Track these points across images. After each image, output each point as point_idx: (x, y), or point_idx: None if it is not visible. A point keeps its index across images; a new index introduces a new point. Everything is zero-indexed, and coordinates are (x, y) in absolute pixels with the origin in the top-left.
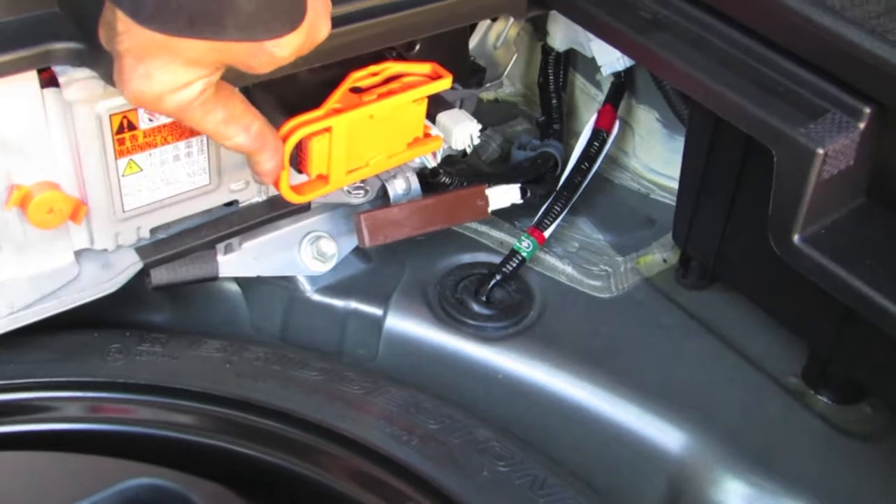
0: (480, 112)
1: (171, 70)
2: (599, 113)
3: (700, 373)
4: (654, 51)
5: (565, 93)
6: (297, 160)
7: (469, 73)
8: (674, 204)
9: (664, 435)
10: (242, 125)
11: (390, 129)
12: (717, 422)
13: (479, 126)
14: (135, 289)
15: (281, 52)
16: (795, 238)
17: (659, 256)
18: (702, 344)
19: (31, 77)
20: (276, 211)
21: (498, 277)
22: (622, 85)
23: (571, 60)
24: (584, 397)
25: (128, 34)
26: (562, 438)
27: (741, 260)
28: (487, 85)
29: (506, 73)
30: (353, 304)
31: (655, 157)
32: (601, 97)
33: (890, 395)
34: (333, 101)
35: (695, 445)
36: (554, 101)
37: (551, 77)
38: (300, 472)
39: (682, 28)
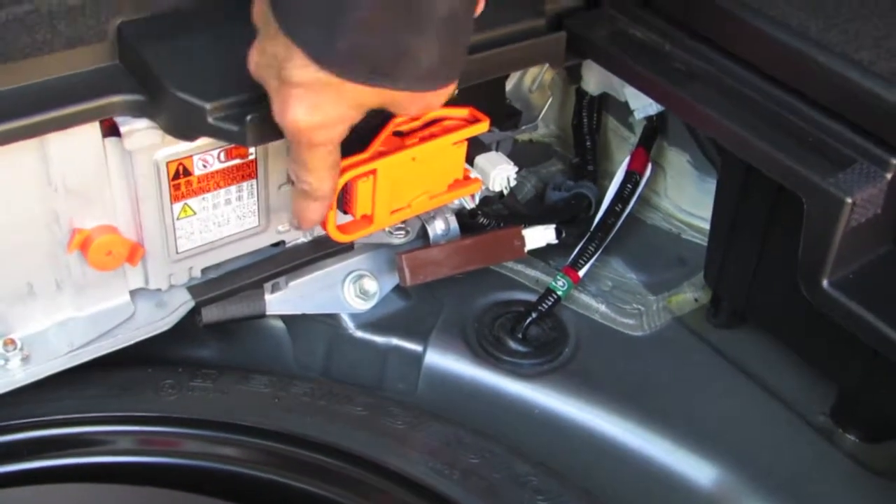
0: (516, 153)
1: (335, 108)
2: (632, 156)
3: (730, 410)
4: (688, 101)
5: (599, 135)
6: (343, 201)
7: (506, 115)
8: (705, 244)
9: (695, 470)
10: (335, 172)
11: (431, 171)
12: (746, 458)
13: (516, 168)
14: (185, 325)
15: (438, 100)
16: (824, 283)
17: (690, 296)
18: (731, 382)
19: (93, 127)
20: (320, 251)
21: (534, 315)
22: (654, 128)
23: (605, 103)
24: (617, 432)
25: (303, 70)
26: (596, 472)
27: (771, 302)
28: (523, 127)
29: (541, 115)
30: (394, 341)
31: (687, 198)
32: (634, 139)
33: None
34: (378, 144)
35: (725, 480)
36: (588, 143)
37: (585, 120)
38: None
39: (713, 78)
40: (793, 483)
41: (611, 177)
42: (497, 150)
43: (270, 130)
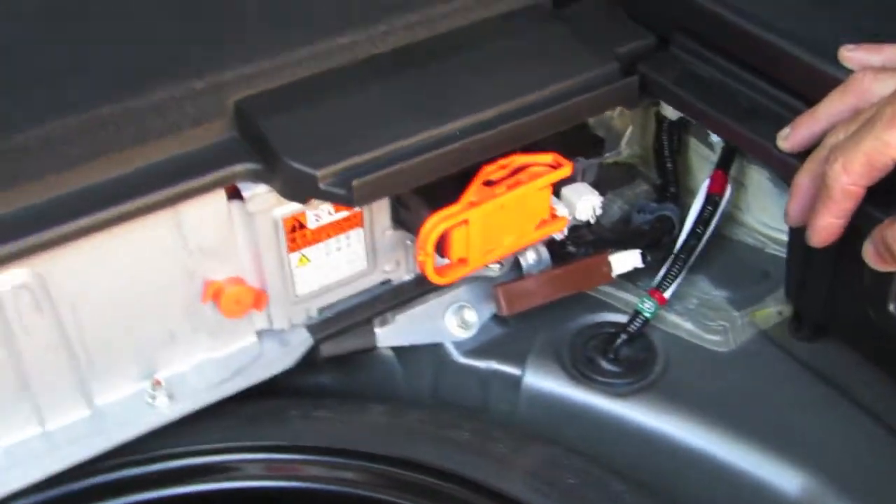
0: (602, 176)
1: None
2: (711, 178)
3: (815, 421)
4: (751, 137)
5: (680, 156)
6: (440, 247)
7: (589, 144)
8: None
9: (783, 480)
10: None
11: (520, 215)
12: (833, 468)
13: (601, 198)
14: (306, 358)
15: None
16: (891, 307)
17: (774, 310)
18: (817, 393)
19: (219, 193)
20: (423, 287)
21: (624, 337)
22: (733, 149)
23: (684, 125)
24: (706, 445)
25: None
26: (686, 484)
27: (849, 315)
28: (607, 155)
29: (624, 141)
30: (495, 365)
31: (768, 213)
32: (714, 157)
33: None
34: (469, 195)
35: (812, 491)
36: (669, 166)
37: (665, 143)
38: None
39: (776, 116)
40: (879, 493)
41: (694, 194)
42: (583, 178)
43: (377, 190)
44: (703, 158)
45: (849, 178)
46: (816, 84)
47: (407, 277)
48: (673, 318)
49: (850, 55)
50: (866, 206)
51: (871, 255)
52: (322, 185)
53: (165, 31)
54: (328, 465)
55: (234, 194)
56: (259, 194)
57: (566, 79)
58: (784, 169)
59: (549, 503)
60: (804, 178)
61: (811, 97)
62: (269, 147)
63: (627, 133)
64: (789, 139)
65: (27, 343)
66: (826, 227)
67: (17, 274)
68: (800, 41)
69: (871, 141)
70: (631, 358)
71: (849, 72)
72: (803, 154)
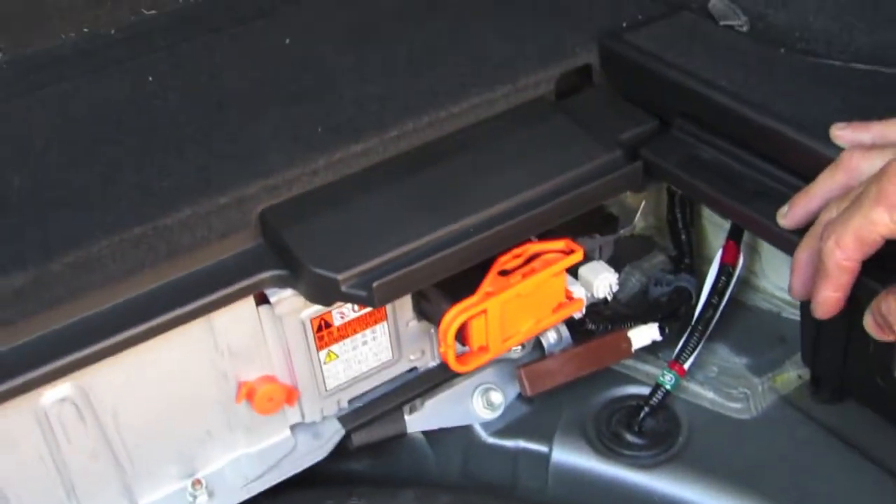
0: (618, 249)
1: None
2: (724, 249)
3: (840, 485)
4: (757, 218)
5: (693, 228)
6: (461, 336)
7: (603, 222)
8: None
9: None
10: None
11: (536, 301)
12: None
13: (617, 275)
14: (338, 447)
15: None
16: None
17: (793, 374)
18: (840, 457)
19: (249, 300)
20: (449, 372)
21: (646, 410)
22: None
23: None
24: None
25: None
26: None
27: (864, 380)
28: (621, 231)
29: (637, 215)
30: (522, 444)
31: (783, 277)
32: (727, 225)
33: None
34: (486, 286)
35: None
36: (683, 237)
37: (678, 215)
38: None
39: (777, 194)
40: None
41: (710, 262)
42: (600, 255)
43: (393, 291)
44: (716, 226)
45: (842, 254)
46: (811, 163)
47: (432, 364)
48: (694, 387)
49: (840, 133)
50: (863, 278)
51: (871, 326)
52: (344, 288)
53: (188, 150)
54: None
55: (262, 299)
56: (285, 298)
57: (572, 169)
58: (785, 245)
59: None
60: (802, 254)
61: (807, 175)
62: (292, 254)
63: (640, 207)
64: (788, 217)
65: (72, 452)
66: (827, 300)
67: (61, 388)
68: (794, 123)
69: (859, 219)
70: (655, 430)
71: (841, 149)
72: (803, 230)
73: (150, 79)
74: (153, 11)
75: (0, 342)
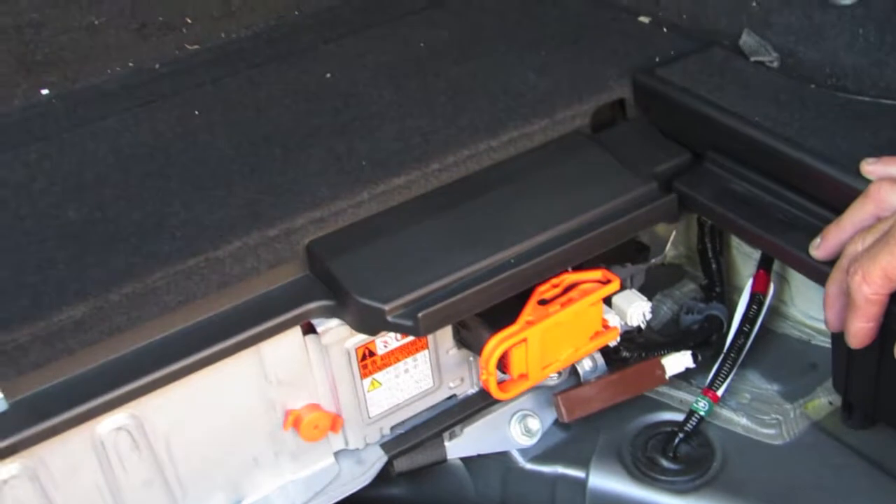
0: (650, 278)
1: None
2: (754, 279)
3: (870, 500)
4: (789, 250)
5: (723, 257)
6: (502, 364)
7: (636, 252)
8: None
9: None
10: None
11: (574, 330)
12: None
13: (650, 304)
14: (380, 472)
15: None
16: None
17: (825, 400)
18: (873, 481)
19: (296, 330)
20: (487, 399)
21: (681, 436)
22: None
23: None
24: None
25: None
26: None
27: (894, 405)
28: (653, 260)
29: (668, 245)
30: (560, 470)
31: (813, 305)
32: (757, 254)
33: None
34: (526, 315)
35: None
36: (714, 266)
37: (708, 245)
38: None
39: (813, 228)
40: None
41: (740, 291)
42: (632, 284)
43: (441, 320)
44: (746, 256)
45: (870, 289)
46: (841, 195)
47: (471, 391)
48: (728, 413)
49: (871, 168)
50: (893, 307)
51: None
52: (390, 318)
53: (237, 184)
54: None
55: (309, 329)
56: (332, 328)
57: (609, 201)
58: (819, 276)
59: None
60: (832, 288)
61: (837, 207)
62: (339, 285)
63: (671, 237)
64: (820, 248)
65: (126, 479)
66: (859, 331)
67: (117, 417)
68: (824, 157)
69: (886, 256)
70: (690, 455)
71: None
72: (834, 260)
73: (197, 113)
74: (196, 46)
75: (62, 372)
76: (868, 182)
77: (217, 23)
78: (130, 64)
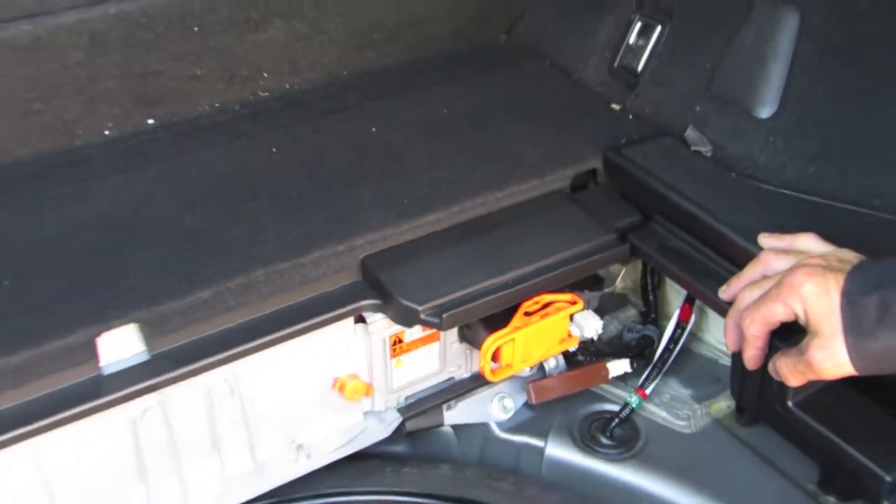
0: (603, 303)
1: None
2: (681, 310)
3: (750, 481)
4: (704, 291)
5: (659, 292)
6: (495, 356)
7: (594, 283)
8: None
9: None
10: None
11: (547, 335)
12: None
13: (601, 322)
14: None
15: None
16: (790, 403)
17: (724, 404)
18: (752, 464)
19: (350, 320)
20: (476, 382)
21: (617, 421)
22: None
23: None
24: (673, 497)
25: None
26: None
27: (771, 410)
28: (606, 289)
29: (618, 279)
30: (525, 439)
31: (721, 333)
32: (683, 292)
33: (869, 496)
34: (515, 322)
35: None
36: (651, 298)
37: (648, 282)
38: None
39: (720, 276)
40: None
41: (669, 319)
42: (589, 305)
43: (458, 320)
44: (676, 292)
45: (755, 329)
46: (744, 256)
47: (466, 375)
48: (652, 408)
49: (764, 240)
50: (773, 339)
51: (772, 371)
52: (422, 316)
53: (310, 210)
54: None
55: (359, 319)
56: (377, 320)
57: (579, 245)
58: (723, 312)
59: None
60: (730, 321)
61: (740, 264)
62: (385, 289)
63: (621, 274)
64: (725, 293)
65: (222, 418)
66: (751, 357)
67: (223, 371)
68: (735, 228)
69: (764, 309)
70: (622, 436)
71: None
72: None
73: (274, 150)
74: (267, 94)
75: (189, 336)
76: (761, 249)
77: (285, 77)
78: (217, 104)
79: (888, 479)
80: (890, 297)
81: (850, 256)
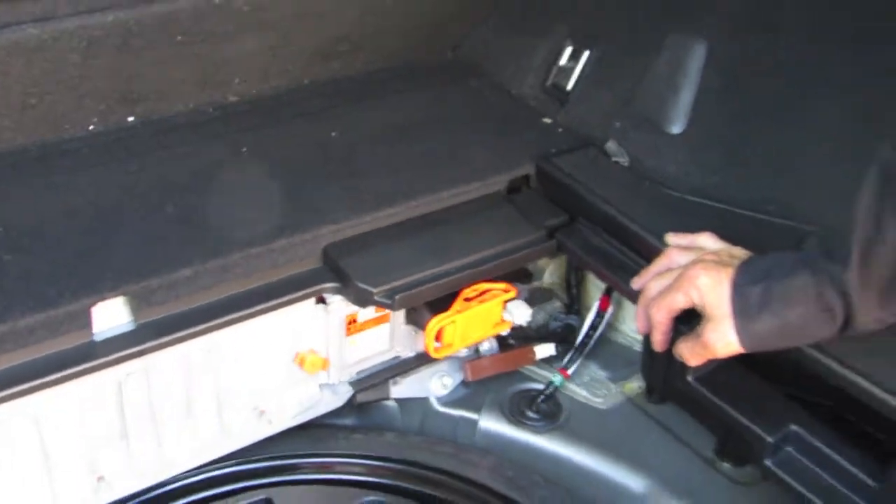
0: (532, 296)
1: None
2: (600, 301)
3: (658, 451)
4: (619, 282)
5: (581, 285)
6: (438, 336)
7: (525, 275)
8: None
9: (633, 482)
10: None
11: (484, 319)
12: (667, 476)
13: (531, 309)
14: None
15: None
16: (689, 378)
17: (636, 385)
18: (659, 435)
19: (312, 300)
20: (420, 361)
21: (542, 397)
22: None
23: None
24: (591, 462)
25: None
26: (576, 483)
27: (675, 388)
28: (535, 283)
29: (546, 274)
30: (461, 413)
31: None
32: (602, 286)
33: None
34: (456, 306)
35: (652, 489)
36: (574, 291)
37: (572, 276)
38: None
39: (633, 269)
40: (691, 491)
41: (590, 309)
42: (520, 296)
43: (408, 302)
44: (596, 287)
45: (660, 316)
46: (652, 252)
47: (410, 355)
48: (573, 387)
49: (669, 238)
50: (677, 324)
51: (675, 353)
52: (377, 297)
53: (281, 202)
54: (366, 466)
55: (320, 300)
56: (336, 301)
57: (513, 240)
58: (635, 300)
59: (496, 484)
60: (640, 309)
61: (649, 259)
62: (345, 273)
63: (548, 269)
64: (636, 283)
65: (196, 384)
66: (658, 340)
67: (200, 343)
68: (645, 227)
69: (668, 298)
70: (546, 410)
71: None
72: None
73: (244, 150)
74: (237, 98)
75: (171, 309)
76: (666, 246)
77: (255, 84)
78: (191, 105)
79: (769, 440)
80: (771, 287)
81: (741, 253)
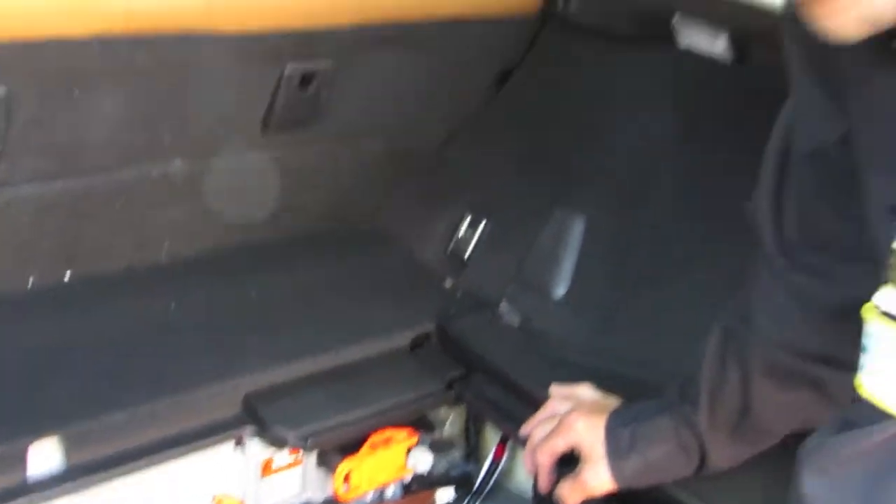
0: (433, 445)
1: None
2: (495, 451)
3: None
4: (511, 430)
5: (479, 437)
6: (346, 478)
7: (426, 425)
8: None
9: None
10: None
11: (388, 464)
12: None
13: (432, 456)
14: None
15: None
16: None
17: None
18: None
19: (232, 443)
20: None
21: None
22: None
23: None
24: None
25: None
26: None
27: None
28: (436, 432)
29: (446, 425)
30: None
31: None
32: (499, 435)
33: None
34: (364, 451)
35: None
36: (472, 442)
37: (470, 427)
38: None
39: (524, 418)
40: None
41: (486, 457)
42: (421, 443)
43: (320, 444)
44: (493, 434)
45: (543, 459)
46: (539, 402)
47: (321, 499)
48: None
49: (552, 389)
50: (561, 466)
51: (556, 494)
52: (290, 440)
53: (207, 353)
54: None
55: (240, 442)
56: (253, 444)
57: (415, 391)
58: (524, 445)
59: None
60: (527, 453)
61: (537, 408)
62: (262, 419)
63: (449, 419)
64: (523, 430)
65: None
66: (542, 481)
67: (124, 481)
68: (533, 382)
69: (549, 444)
70: None
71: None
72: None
73: (173, 306)
74: (168, 259)
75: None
76: (550, 396)
77: (183, 247)
78: (125, 265)
79: None
80: (637, 430)
81: (613, 401)
